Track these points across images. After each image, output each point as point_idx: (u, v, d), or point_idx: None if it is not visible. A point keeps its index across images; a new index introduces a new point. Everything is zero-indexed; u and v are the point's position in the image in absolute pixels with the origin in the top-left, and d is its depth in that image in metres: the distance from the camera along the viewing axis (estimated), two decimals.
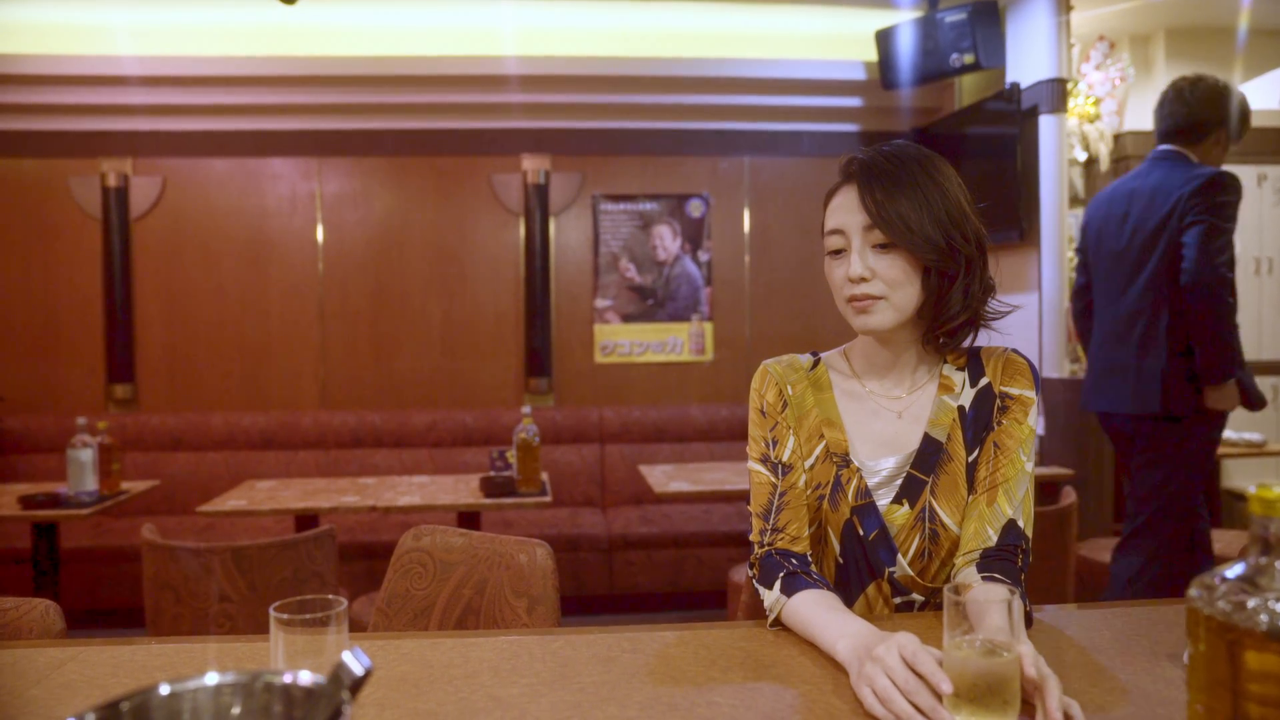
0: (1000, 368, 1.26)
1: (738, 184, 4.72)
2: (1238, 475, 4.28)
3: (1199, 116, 2.63)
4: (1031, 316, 3.85)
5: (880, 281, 1.18)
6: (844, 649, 1.00)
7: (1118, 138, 4.80)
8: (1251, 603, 0.64)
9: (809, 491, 1.25)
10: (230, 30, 4.20)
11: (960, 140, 4.24)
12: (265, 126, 4.43)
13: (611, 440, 4.52)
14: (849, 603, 1.21)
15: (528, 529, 3.94)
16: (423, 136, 4.53)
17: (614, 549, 4.00)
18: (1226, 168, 2.66)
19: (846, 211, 1.21)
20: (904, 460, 1.24)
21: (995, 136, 3.93)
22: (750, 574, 1.26)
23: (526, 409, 3.25)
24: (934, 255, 1.16)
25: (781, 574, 1.17)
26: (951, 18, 3.89)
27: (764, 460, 1.27)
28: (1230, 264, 2.49)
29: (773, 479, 1.26)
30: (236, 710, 0.62)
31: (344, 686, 0.59)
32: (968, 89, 4.42)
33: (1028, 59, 3.85)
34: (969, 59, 3.88)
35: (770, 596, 1.17)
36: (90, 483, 3.02)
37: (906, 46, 4.04)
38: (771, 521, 1.24)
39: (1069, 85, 3.98)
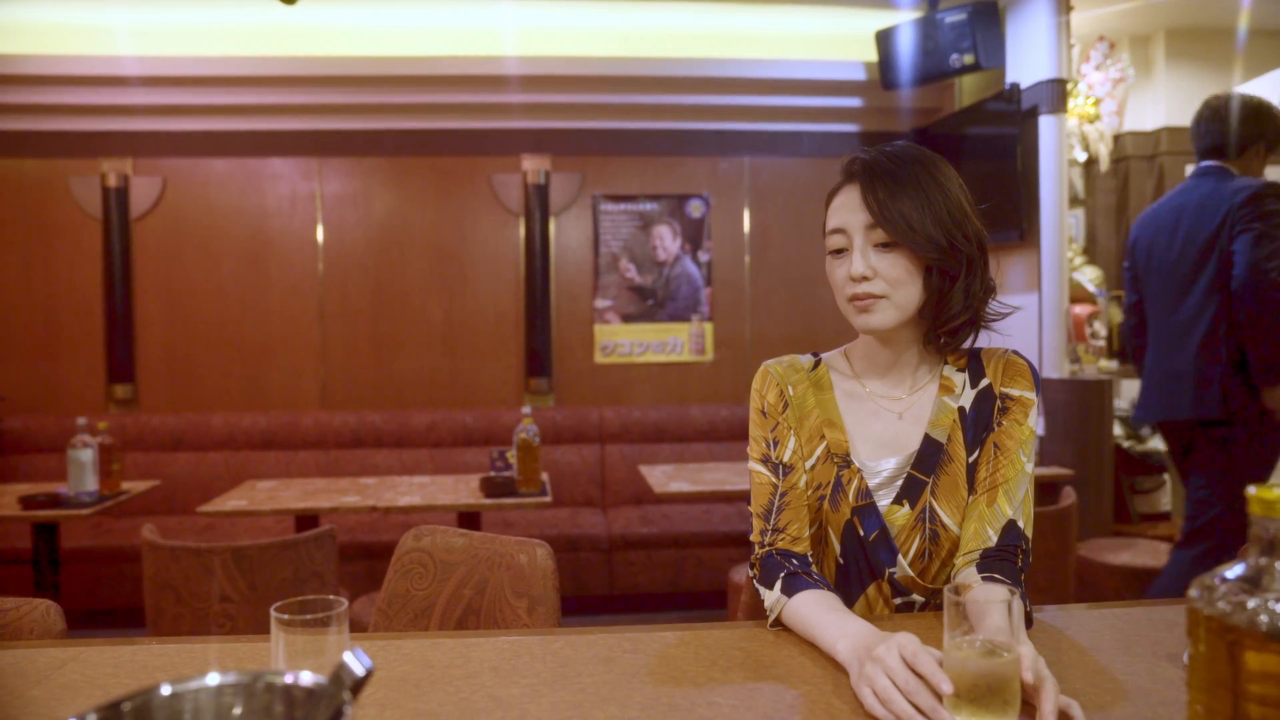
0: (1001, 369, 1.26)
1: (738, 184, 4.72)
2: None
3: (1238, 132, 2.75)
4: (1032, 317, 3.85)
5: (882, 280, 1.18)
6: (844, 649, 1.00)
7: (1117, 138, 4.80)
8: (1252, 603, 0.64)
9: (809, 492, 1.26)
10: (230, 30, 4.20)
11: (960, 141, 4.24)
12: (265, 126, 4.43)
13: (612, 440, 4.52)
14: (849, 603, 1.21)
15: (528, 529, 3.94)
16: (423, 136, 4.53)
17: (614, 549, 4.00)
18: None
19: (849, 211, 1.21)
20: (904, 461, 1.24)
21: (995, 137, 3.93)
22: (751, 574, 1.26)
23: (527, 409, 3.25)
24: (936, 254, 1.17)
25: (782, 574, 1.18)
26: (951, 18, 3.89)
27: (765, 460, 1.27)
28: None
29: (773, 479, 1.26)
30: (238, 711, 0.62)
31: (345, 687, 0.59)
32: (968, 89, 4.42)
33: (1028, 59, 3.85)
34: (969, 59, 3.88)
35: (771, 597, 1.17)
36: (90, 483, 3.02)
37: (906, 47, 4.04)
38: (772, 522, 1.24)
39: (1069, 86, 3.99)
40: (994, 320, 1.25)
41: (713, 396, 4.67)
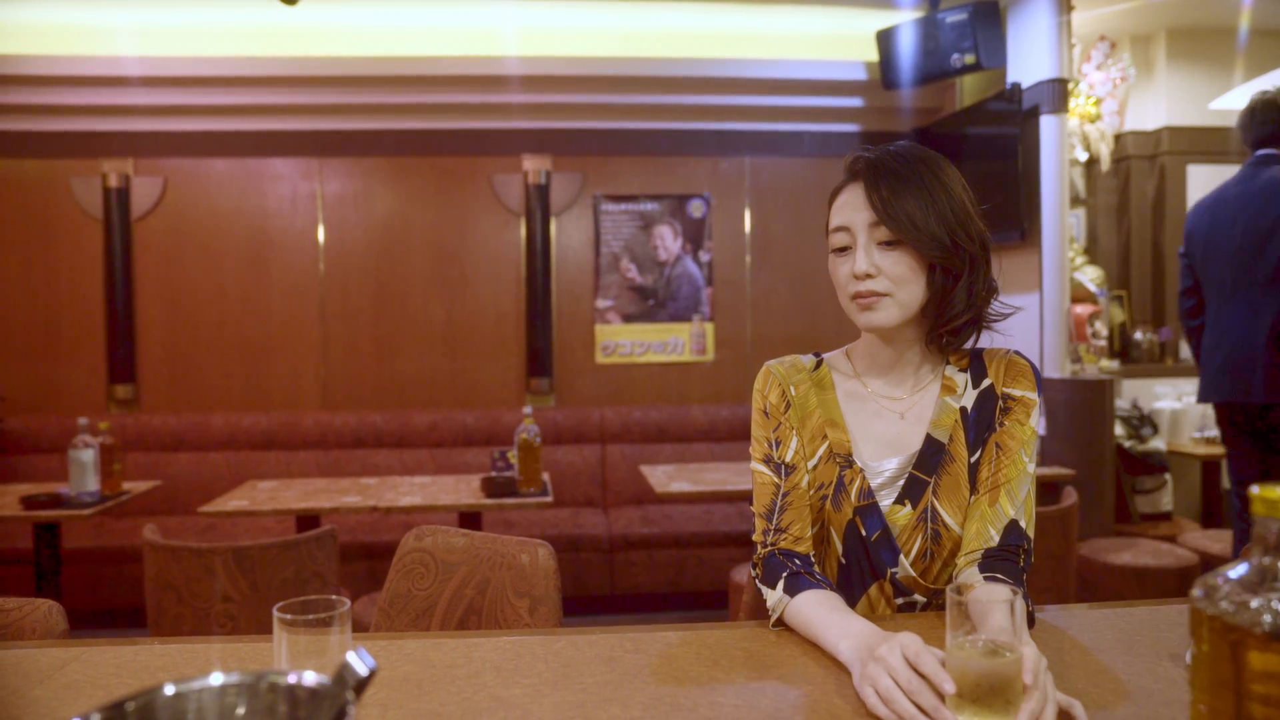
0: (1002, 369, 1.27)
1: (739, 184, 4.72)
2: None
3: None
4: (1033, 317, 3.84)
5: (885, 278, 1.18)
6: (846, 649, 1.00)
7: (1119, 138, 4.80)
8: (1255, 603, 0.64)
9: (812, 492, 1.26)
10: (231, 30, 4.20)
11: (961, 140, 4.24)
12: (266, 127, 4.43)
13: (612, 440, 4.52)
14: (851, 603, 1.21)
15: (529, 529, 3.95)
16: (423, 137, 4.53)
17: (615, 549, 4.00)
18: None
19: (852, 209, 1.21)
20: (906, 461, 1.24)
21: (996, 137, 3.93)
22: (753, 574, 1.26)
23: (528, 409, 3.25)
24: (939, 253, 1.17)
25: (784, 574, 1.18)
26: (952, 18, 3.89)
27: (767, 461, 1.27)
28: None
29: (776, 479, 1.26)
30: (241, 710, 0.62)
31: (348, 687, 0.59)
32: (969, 89, 4.42)
33: (1029, 59, 3.85)
34: (970, 59, 3.88)
35: (773, 596, 1.17)
36: (92, 483, 3.02)
37: (907, 47, 4.04)
38: (774, 522, 1.24)
39: (1070, 85, 3.98)
40: (995, 321, 1.26)
41: (714, 396, 4.67)
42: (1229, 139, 4.65)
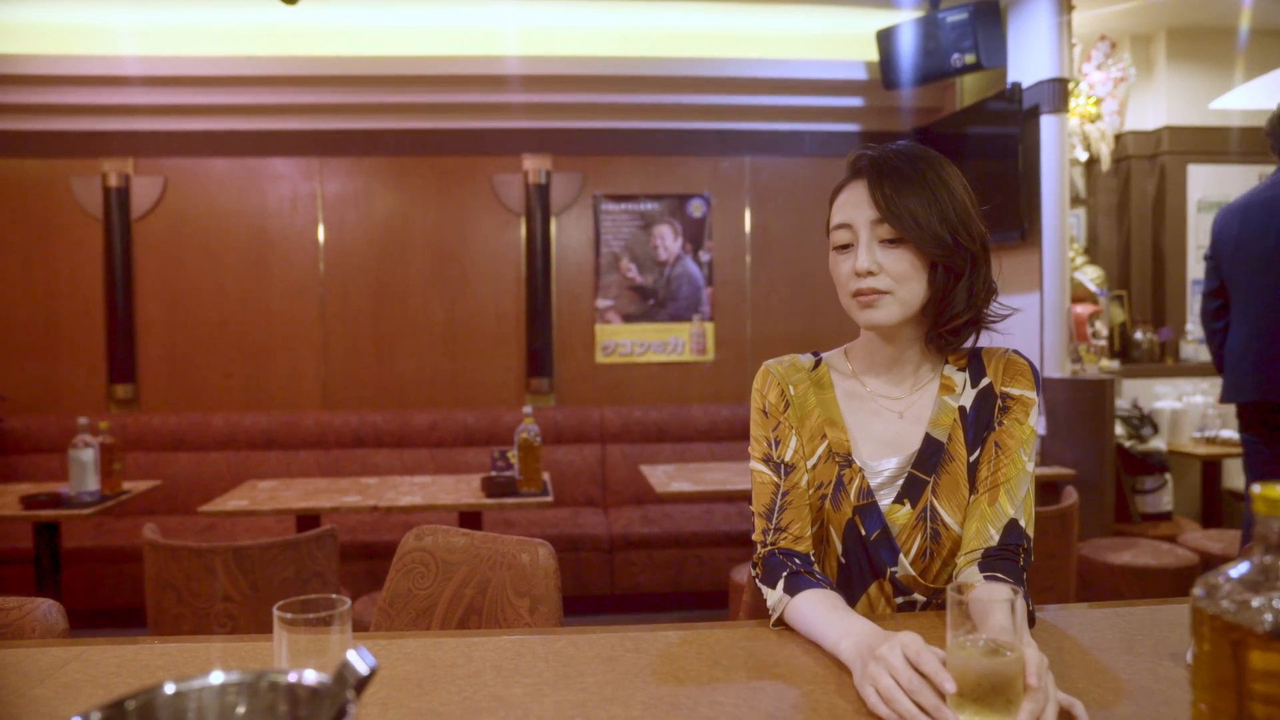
0: (1001, 368, 1.27)
1: (739, 184, 4.72)
2: (1240, 476, 4.28)
3: None
4: (1033, 317, 3.84)
5: (887, 276, 1.18)
6: (847, 648, 1.00)
7: (1119, 137, 4.80)
8: (1256, 602, 0.64)
9: (811, 491, 1.26)
10: (231, 30, 4.20)
11: (961, 140, 4.24)
12: (266, 126, 4.43)
13: (613, 440, 4.52)
14: (851, 603, 1.21)
15: (529, 529, 3.94)
16: (424, 136, 4.53)
17: (615, 549, 4.00)
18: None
19: (855, 206, 1.21)
20: (906, 460, 1.24)
21: (996, 136, 3.93)
22: (753, 573, 1.26)
23: (528, 409, 3.25)
24: (941, 251, 1.17)
25: (785, 573, 1.18)
26: (953, 17, 3.89)
27: (766, 460, 1.27)
28: None
29: (775, 479, 1.26)
30: (241, 709, 0.62)
31: (349, 686, 0.59)
32: (969, 89, 4.42)
33: (1029, 59, 3.85)
34: (970, 59, 3.88)
35: (773, 596, 1.17)
36: (92, 483, 3.02)
37: (908, 46, 4.03)
38: (774, 521, 1.24)
39: (1070, 85, 3.98)
40: (994, 321, 1.26)
41: (714, 396, 4.67)
42: (1229, 139, 4.66)
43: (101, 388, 4.41)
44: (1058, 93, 3.75)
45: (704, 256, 4.69)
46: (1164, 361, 4.59)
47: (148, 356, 4.44)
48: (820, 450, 1.26)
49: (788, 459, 1.26)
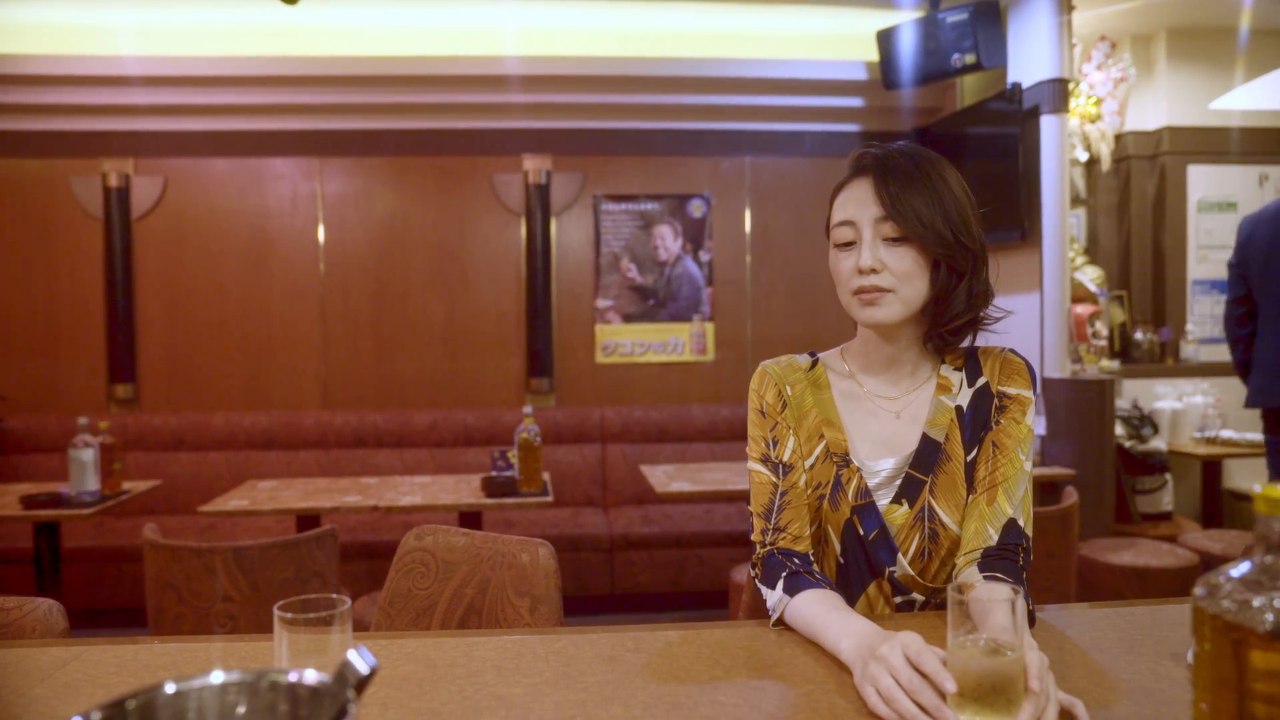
0: (998, 367, 1.27)
1: (739, 184, 4.72)
2: (1240, 476, 4.28)
3: None
4: (1033, 316, 3.84)
5: (890, 274, 1.18)
6: (847, 648, 1.00)
7: (1119, 138, 4.80)
8: (1257, 601, 0.64)
9: (809, 491, 1.26)
10: (231, 30, 4.20)
11: (962, 140, 4.24)
12: (266, 126, 4.43)
13: (613, 440, 4.52)
14: (850, 602, 1.21)
15: (529, 529, 3.94)
16: (424, 136, 4.53)
17: (615, 549, 4.00)
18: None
19: (858, 204, 1.21)
20: (903, 460, 1.24)
21: (997, 136, 3.93)
22: (753, 574, 1.26)
23: (528, 409, 3.25)
24: (944, 250, 1.17)
25: (784, 573, 1.18)
26: (953, 18, 3.89)
27: (764, 460, 1.27)
28: None
29: (773, 479, 1.26)
30: (242, 709, 0.62)
31: (349, 685, 0.59)
32: (969, 89, 4.42)
33: (1029, 59, 3.85)
34: (970, 59, 3.88)
35: (773, 596, 1.17)
36: (92, 482, 3.02)
37: (908, 46, 4.03)
38: (773, 521, 1.24)
39: (1070, 85, 3.98)
40: (990, 324, 1.26)
41: (714, 396, 4.67)
42: (1229, 139, 4.65)
43: (101, 387, 4.41)
44: (1058, 93, 3.75)
45: (704, 256, 4.69)
46: (1164, 361, 4.59)
47: (148, 356, 4.44)
48: (818, 450, 1.26)
49: (785, 459, 1.26)
